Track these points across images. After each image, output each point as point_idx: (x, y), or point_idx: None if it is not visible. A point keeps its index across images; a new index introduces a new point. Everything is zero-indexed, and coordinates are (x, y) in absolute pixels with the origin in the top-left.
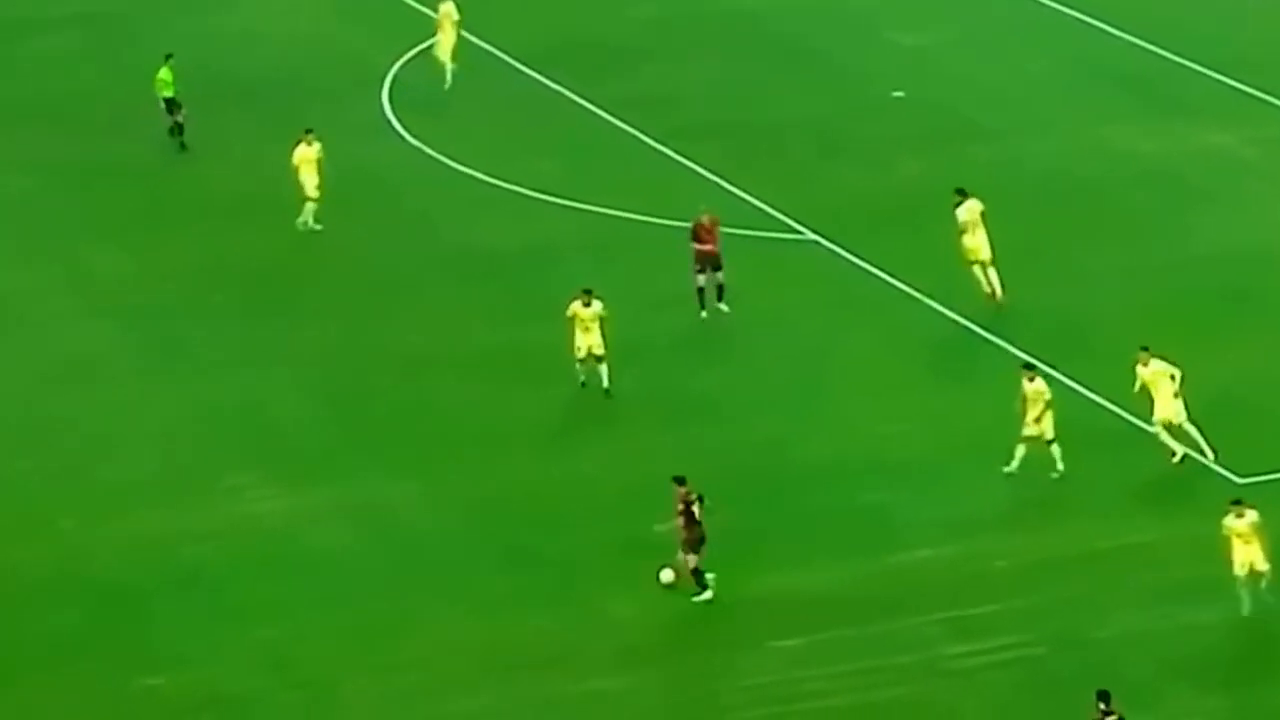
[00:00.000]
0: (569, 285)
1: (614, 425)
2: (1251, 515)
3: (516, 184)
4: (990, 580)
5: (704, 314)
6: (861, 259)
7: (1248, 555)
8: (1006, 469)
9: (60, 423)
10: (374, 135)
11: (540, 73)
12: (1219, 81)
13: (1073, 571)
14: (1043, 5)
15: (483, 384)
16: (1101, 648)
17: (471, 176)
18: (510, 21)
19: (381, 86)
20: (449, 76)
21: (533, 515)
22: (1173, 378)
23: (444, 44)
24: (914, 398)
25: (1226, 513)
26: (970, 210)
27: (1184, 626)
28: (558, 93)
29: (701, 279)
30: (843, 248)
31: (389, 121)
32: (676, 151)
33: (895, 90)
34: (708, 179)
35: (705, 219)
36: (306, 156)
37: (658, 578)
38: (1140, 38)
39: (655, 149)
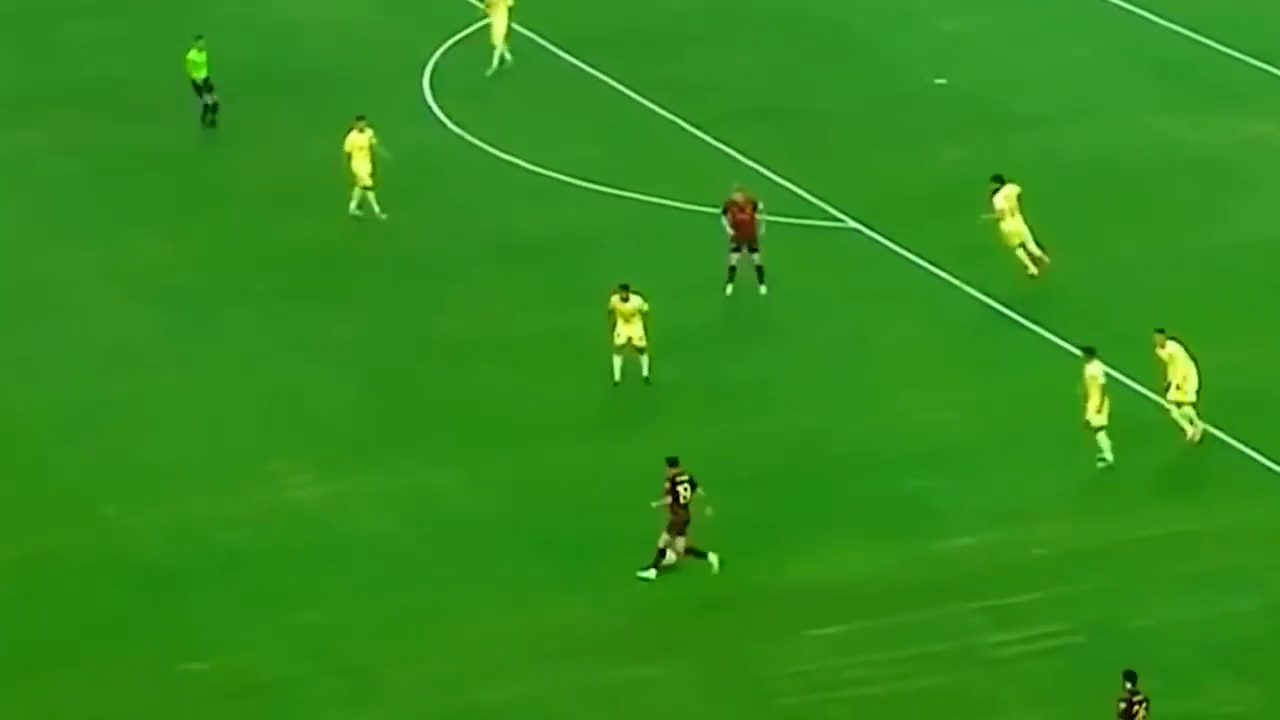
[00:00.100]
0: (609, 272)
1: (654, 412)
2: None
3: (557, 171)
4: (1030, 568)
5: (729, 289)
6: (903, 247)
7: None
8: (1101, 463)
9: (102, 408)
10: (415, 122)
11: (581, 59)
12: (1261, 70)
13: (1112, 560)
14: None
15: (523, 371)
16: (1141, 636)
17: (513, 163)
18: (552, 8)
19: (423, 73)
20: (496, 61)
21: (572, 502)
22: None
23: (496, 27)
24: (955, 385)
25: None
26: (1008, 196)
27: (1223, 615)
28: (599, 79)
29: (735, 257)
30: (884, 235)
31: (430, 108)
32: (717, 138)
33: (937, 78)
34: (749, 166)
35: (738, 196)
36: (359, 143)
37: (710, 561)
38: (1182, 25)
39: (696, 136)
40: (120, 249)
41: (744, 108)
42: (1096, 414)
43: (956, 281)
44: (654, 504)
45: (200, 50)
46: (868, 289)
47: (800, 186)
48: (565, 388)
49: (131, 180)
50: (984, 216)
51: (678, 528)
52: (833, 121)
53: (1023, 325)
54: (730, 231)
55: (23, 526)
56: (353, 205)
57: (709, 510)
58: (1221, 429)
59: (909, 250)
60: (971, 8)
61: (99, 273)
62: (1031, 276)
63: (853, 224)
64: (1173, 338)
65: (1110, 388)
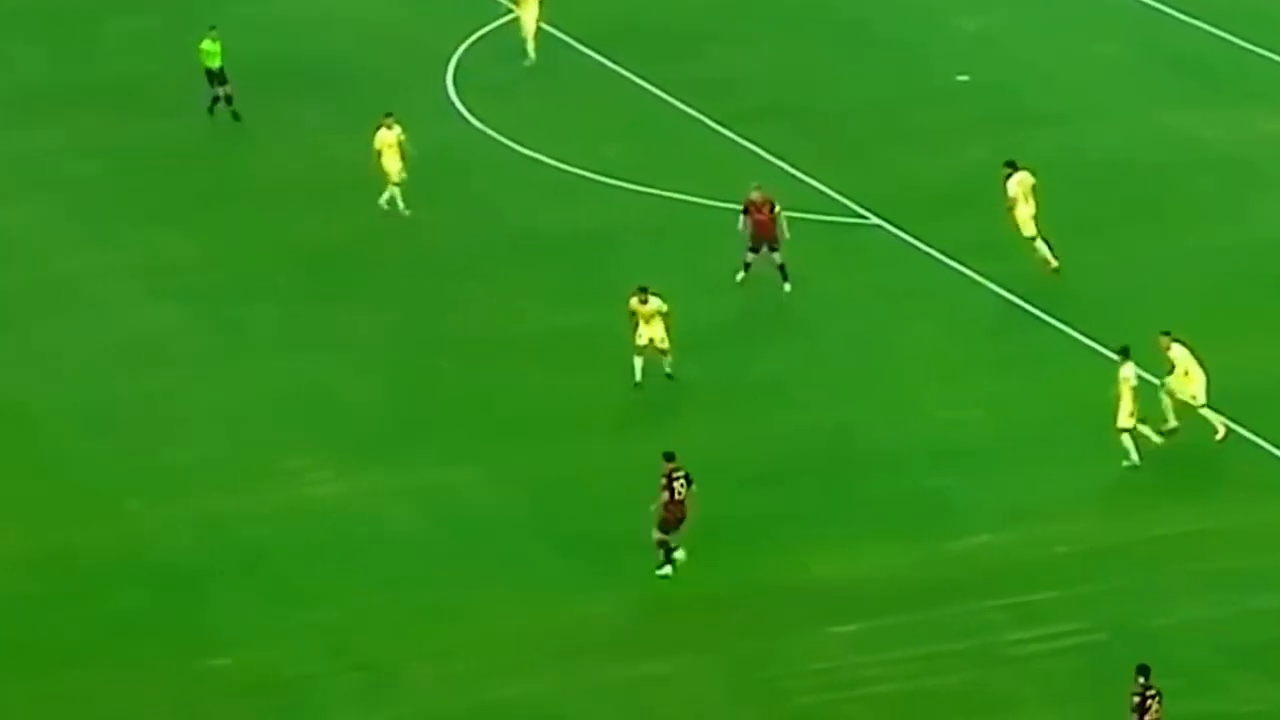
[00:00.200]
0: (632, 269)
1: (675, 410)
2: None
3: (580, 167)
4: (1050, 567)
5: (740, 276)
6: (925, 243)
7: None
8: (1127, 463)
9: (124, 405)
10: (438, 119)
11: (605, 55)
12: None
13: (1133, 558)
14: None
15: (545, 368)
16: (1161, 635)
17: (535, 160)
18: (575, 4)
19: (446, 70)
20: (531, 53)
21: (592, 499)
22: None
23: (526, 21)
24: (977, 383)
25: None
26: (1021, 183)
27: (1246, 613)
28: (622, 75)
29: (752, 256)
30: (907, 232)
31: (453, 105)
32: (740, 135)
33: (960, 74)
34: (772, 163)
35: (756, 196)
36: (388, 140)
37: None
38: (1203, 21)
39: (719, 132)
40: (143, 246)
41: (767, 104)
42: (1129, 417)
43: (978, 278)
44: (651, 508)
45: (214, 40)
46: (889, 286)
47: (822, 183)
48: (586, 385)
49: (155, 177)
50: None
51: (669, 523)
52: (855, 118)
53: (1044, 322)
54: (749, 231)
55: (45, 522)
56: (383, 198)
57: (694, 488)
58: (1243, 427)
59: (931, 247)
60: (993, 5)
61: (122, 269)
62: (1046, 265)
63: (875, 220)
64: (1178, 339)
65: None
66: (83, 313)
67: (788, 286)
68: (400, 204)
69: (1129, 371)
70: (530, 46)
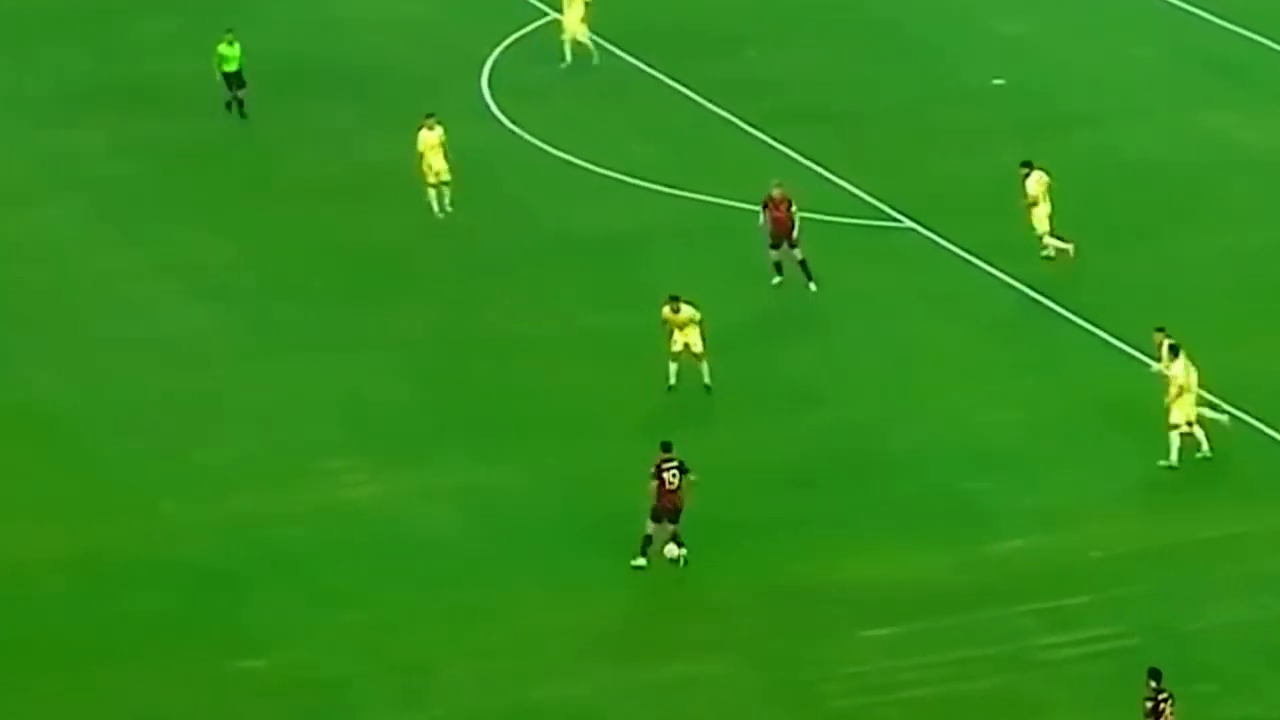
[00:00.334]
0: (664, 271)
1: (708, 411)
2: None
3: (614, 169)
4: (1083, 570)
5: (775, 281)
6: (959, 246)
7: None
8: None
9: (160, 404)
10: (473, 121)
11: (639, 58)
12: None
13: (1168, 562)
14: None
15: (579, 368)
16: (1196, 639)
17: (570, 162)
18: (610, 6)
19: (481, 72)
20: (568, 56)
21: (627, 499)
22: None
23: (569, 21)
24: (1010, 385)
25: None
26: (1040, 181)
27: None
28: (656, 78)
29: (774, 254)
30: (940, 235)
31: (488, 107)
32: (773, 137)
33: (995, 78)
34: (805, 165)
35: (775, 192)
36: (430, 142)
37: (662, 552)
38: (1239, 24)
39: (753, 135)
40: (178, 246)
41: (800, 107)
42: (1179, 415)
43: (1011, 281)
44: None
45: (230, 44)
46: (923, 288)
47: (856, 186)
48: (620, 385)
49: (190, 177)
50: (1154, 368)
51: (660, 512)
52: (888, 121)
53: (1077, 324)
54: (768, 228)
55: (79, 522)
56: (437, 205)
57: (693, 477)
58: (1278, 430)
59: (965, 250)
60: (1029, 8)
61: (157, 269)
62: (1066, 255)
63: (909, 224)
64: (1170, 336)
65: (1162, 389)
66: (118, 312)
67: (813, 286)
68: (434, 205)
69: (1178, 369)
70: (568, 50)
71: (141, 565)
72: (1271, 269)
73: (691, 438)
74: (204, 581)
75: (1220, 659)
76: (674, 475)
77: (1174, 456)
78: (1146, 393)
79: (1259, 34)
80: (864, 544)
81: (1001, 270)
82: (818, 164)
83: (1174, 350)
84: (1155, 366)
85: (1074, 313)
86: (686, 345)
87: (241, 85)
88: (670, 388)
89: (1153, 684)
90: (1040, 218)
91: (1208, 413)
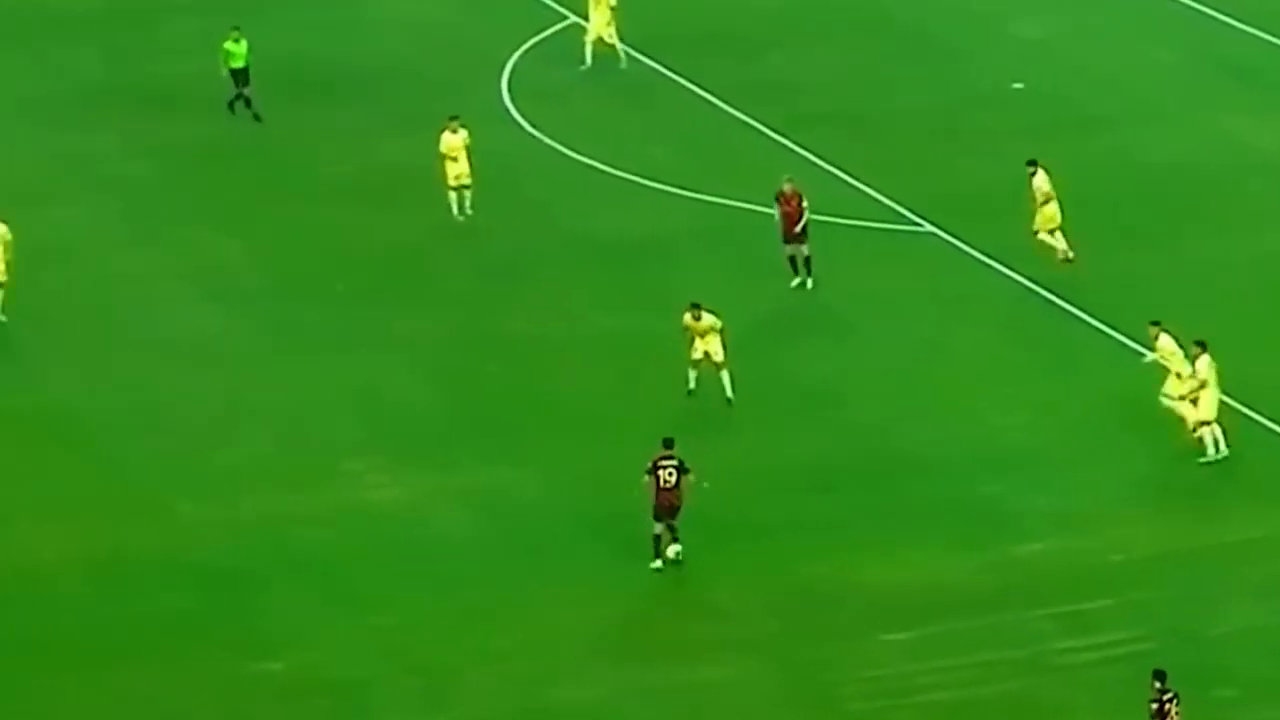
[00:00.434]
0: (685, 274)
1: (728, 414)
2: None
3: (634, 172)
4: (1103, 574)
5: (794, 282)
6: (978, 250)
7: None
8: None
9: (178, 405)
10: (493, 123)
11: (659, 61)
12: None
13: (1188, 566)
14: None
15: (598, 371)
16: (1216, 643)
17: (590, 165)
18: (630, 9)
19: (501, 74)
20: (589, 59)
21: (645, 502)
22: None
23: (594, 25)
24: (1029, 388)
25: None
26: (1046, 179)
27: None
28: (676, 81)
29: (789, 249)
30: (960, 239)
31: (508, 110)
32: (794, 141)
33: (1015, 81)
34: (824, 169)
35: (787, 188)
36: (453, 144)
37: (665, 552)
38: (1259, 28)
39: (772, 138)
40: (195, 247)
41: (821, 110)
42: (1209, 411)
43: (1030, 284)
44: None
45: (236, 41)
46: (942, 292)
47: (875, 189)
48: (639, 388)
49: (207, 178)
50: (1149, 358)
51: (659, 511)
52: (908, 124)
53: (1096, 328)
54: (780, 223)
55: (97, 524)
56: (455, 208)
57: (705, 484)
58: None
59: (984, 253)
60: (1049, 11)
61: (174, 270)
62: (1066, 258)
63: (928, 227)
64: (1165, 330)
65: None
66: (135, 313)
67: (809, 282)
68: (454, 208)
69: (1202, 365)
70: (589, 52)
71: (159, 566)
72: None
73: (710, 440)
74: (222, 582)
75: (1240, 663)
76: (670, 474)
77: (1212, 450)
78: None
79: (1277, 37)
80: (883, 547)
81: (1020, 273)
82: (837, 167)
83: (1200, 345)
84: (1150, 357)
85: (1092, 315)
86: (707, 354)
87: (246, 83)
88: (690, 392)
89: (1158, 684)
90: (1050, 215)
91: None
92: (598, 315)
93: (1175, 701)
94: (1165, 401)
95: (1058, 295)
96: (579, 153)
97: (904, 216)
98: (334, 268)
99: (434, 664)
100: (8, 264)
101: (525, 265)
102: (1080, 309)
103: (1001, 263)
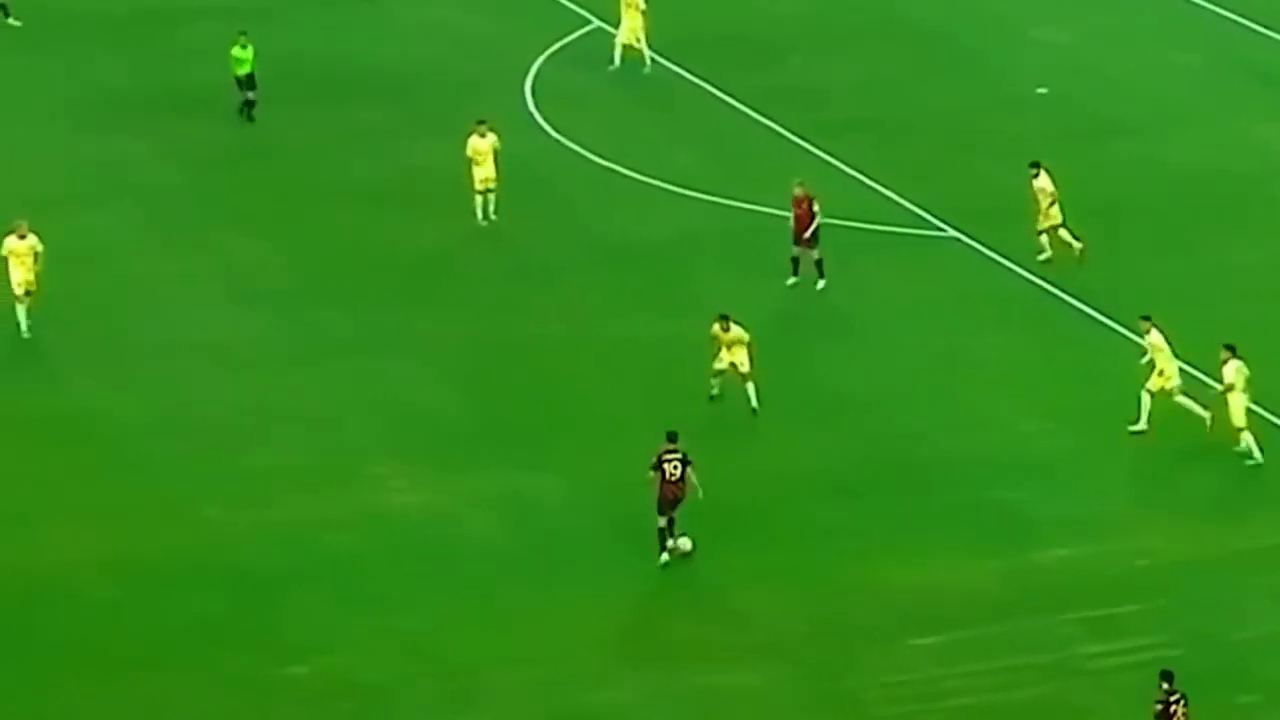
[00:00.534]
0: (708, 279)
1: (752, 420)
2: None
3: (658, 178)
4: (1130, 579)
5: (790, 281)
6: (1002, 255)
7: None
8: (1250, 461)
9: (205, 409)
10: (517, 128)
11: (683, 66)
12: None
13: (1214, 571)
14: (1189, 2)
15: (623, 376)
16: (1241, 648)
17: (614, 170)
18: (653, 14)
19: (525, 79)
20: (617, 60)
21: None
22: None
23: (625, 27)
24: (1054, 394)
25: None
26: (1049, 180)
27: None
28: (701, 86)
29: (796, 250)
30: (984, 245)
31: (531, 115)
32: (818, 147)
33: (1039, 86)
34: (849, 174)
35: (798, 191)
36: (479, 148)
37: (676, 546)
38: None
39: (796, 143)
40: (223, 250)
41: (845, 115)
42: (1242, 415)
43: (1054, 290)
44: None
45: (244, 46)
46: (966, 297)
47: (900, 195)
48: (663, 392)
49: (234, 182)
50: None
51: (663, 504)
52: (932, 130)
53: (1122, 334)
54: (791, 226)
55: (123, 527)
56: (478, 210)
57: (699, 494)
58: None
59: (1009, 259)
60: (1073, 17)
61: (202, 274)
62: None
63: (951, 232)
64: (1156, 325)
65: (1208, 398)
66: (163, 317)
67: (821, 284)
68: (479, 212)
69: (1230, 369)
70: (618, 54)
71: (185, 570)
72: None
73: (736, 444)
74: (247, 587)
75: (1265, 669)
76: (675, 467)
77: (1258, 452)
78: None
79: None
80: (909, 552)
81: (1044, 279)
82: (861, 173)
83: (1230, 349)
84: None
85: (1116, 321)
86: (734, 364)
87: (252, 87)
88: (712, 398)
89: (1164, 685)
90: (1055, 215)
91: (1187, 402)
92: (621, 319)
93: (1182, 703)
94: (1145, 397)
95: (1081, 300)
96: (602, 157)
97: (927, 221)
98: (360, 271)
99: (458, 668)
100: (38, 275)
101: (549, 270)
102: (1104, 314)
103: (1025, 268)
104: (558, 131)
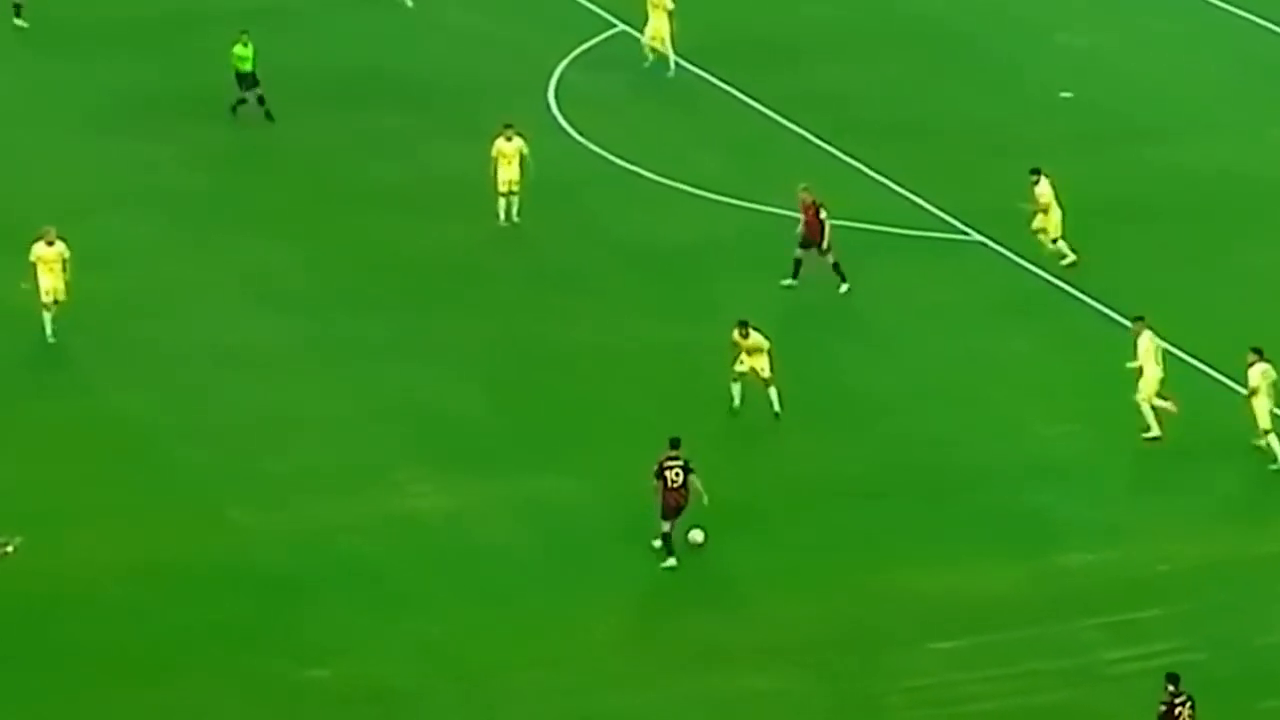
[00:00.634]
0: (732, 283)
1: (775, 424)
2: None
3: (683, 182)
4: (1152, 584)
5: (785, 282)
6: (1027, 260)
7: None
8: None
9: (229, 413)
10: (540, 132)
11: (708, 70)
12: None
13: (1236, 576)
14: (1214, 7)
15: (646, 380)
16: (1264, 653)
17: (637, 173)
18: (679, 18)
19: (548, 83)
20: (649, 54)
21: (693, 514)
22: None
23: (652, 27)
24: (1077, 399)
25: None
26: (1049, 186)
27: None
28: (725, 90)
29: (800, 252)
30: (1009, 249)
31: (555, 119)
32: (844, 151)
33: (1064, 91)
34: (875, 179)
35: (805, 196)
36: (505, 151)
37: (686, 538)
38: None
39: (820, 147)
40: (246, 255)
41: (871, 121)
42: (1268, 418)
43: (1078, 294)
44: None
45: (245, 44)
46: (991, 301)
47: (925, 199)
48: (686, 398)
49: (257, 186)
50: (1020, 205)
51: (666, 510)
52: (958, 134)
53: None
54: (800, 230)
55: (148, 531)
56: (502, 214)
57: (704, 499)
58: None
59: (1034, 263)
60: (1099, 22)
61: (226, 278)
62: (1073, 264)
63: (977, 236)
64: (1150, 327)
65: (1231, 403)
66: (186, 321)
67: (845, 287)
68: (502, 215)
69: (1255, 373)
70: (649, 50)
71: (209, 574)
72: None
73: (760, 448)
74: (271, 590)
75: None
76: (677, 474)
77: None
78: (1214, 407)
79: None
80: (931, 556)
81: (1069, 283)
82: (886, 177)
83: (1257, 352)
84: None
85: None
86: (754, 369)
87: (253, 85)
88: (733, 410)
89: (1170, 688)
90: (1056, 222)
91: (1160, 402)
92: (645, 323)
93: (1189, 705)
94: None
95: (1106, 305)
96: (626, 161)
97: (952, 226)
98: (383, 275)
99: (480, 672)
100: (67, 284)
101: (572, 273)
102: (1128, 318)
103: (1050, 272)
104: (581, 135)
